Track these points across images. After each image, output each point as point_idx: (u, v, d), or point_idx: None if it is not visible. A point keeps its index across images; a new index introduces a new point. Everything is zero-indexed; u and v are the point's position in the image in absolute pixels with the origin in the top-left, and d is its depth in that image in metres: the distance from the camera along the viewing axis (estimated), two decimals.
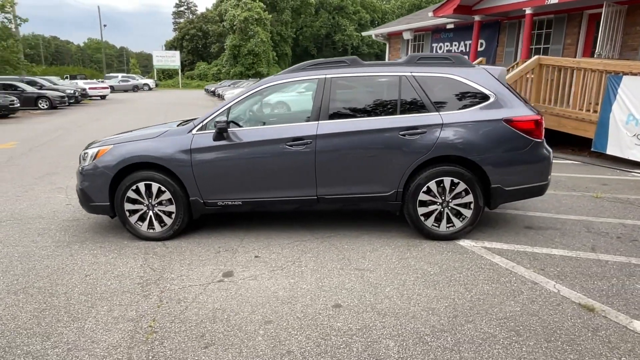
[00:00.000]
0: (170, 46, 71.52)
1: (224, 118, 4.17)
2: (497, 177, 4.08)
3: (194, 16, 74.36)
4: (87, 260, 3.94)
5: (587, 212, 5.05)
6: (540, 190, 4.28)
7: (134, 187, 4.25)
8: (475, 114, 4.08)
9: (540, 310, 2.98)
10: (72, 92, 24.40)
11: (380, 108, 4.24)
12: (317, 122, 4.14)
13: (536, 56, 8.53)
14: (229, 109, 4.26)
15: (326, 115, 4.15)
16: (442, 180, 4.07)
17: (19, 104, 18.24)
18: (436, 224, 4.19)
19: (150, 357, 2.57)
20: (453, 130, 4.04)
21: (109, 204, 4.31)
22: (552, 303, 3.07)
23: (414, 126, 4.05)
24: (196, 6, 73.42)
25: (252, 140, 4.16)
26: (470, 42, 12.69)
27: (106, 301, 3.22)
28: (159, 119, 15.81)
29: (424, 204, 4.14)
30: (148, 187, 4.26)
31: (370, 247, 4.13)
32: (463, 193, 4.10)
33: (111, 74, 46.05)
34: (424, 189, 4.09)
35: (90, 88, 29.37)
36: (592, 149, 7.82)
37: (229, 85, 30.91)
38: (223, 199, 4.27)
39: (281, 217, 5.02)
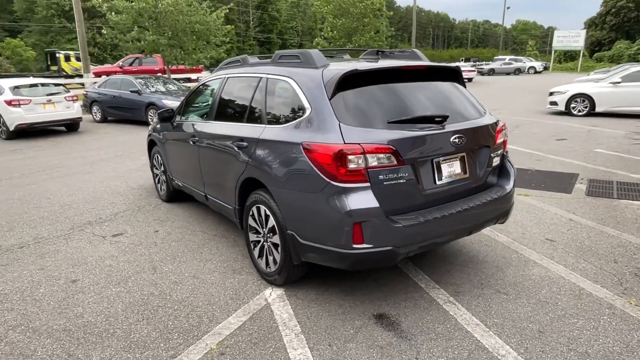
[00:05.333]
0: (590, 23, 63.24)
1: (172, 109, 4.87)
2: (290, 221, 2.95)
3: None
4: (110, 200, 5.71)
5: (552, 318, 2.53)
6: (341, 261, 2.72)
7: (155, 157, 5.67)
8: (283, 131, 3.04)
9: None
10: None
11: (239, 112, 3.77)
12: (207, 121, 4.18)
13: None
14: (185, 101, 4.88)
15: (213, 115, 4.11)
16: (260, 207, 3.31)
17: None
18: (261, 259, 3.47)
19: None
20: (263, 148, 3.18)
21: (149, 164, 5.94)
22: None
23: (240, 137, 3.46)
24: None
25: (181, 132, 4.68)
26: None
27: (49, 221, 4.90)
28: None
29: (253, 230, 3.52)
30: (156, 159, 5.57)
31: (215, 257, 3.93)
32: (274, 230, 3.20)
33: (500, 57, 46.15)
34: (251, 212, 3.46)
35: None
36: None
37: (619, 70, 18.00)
38: (175, 178, 5.04)
39: None
